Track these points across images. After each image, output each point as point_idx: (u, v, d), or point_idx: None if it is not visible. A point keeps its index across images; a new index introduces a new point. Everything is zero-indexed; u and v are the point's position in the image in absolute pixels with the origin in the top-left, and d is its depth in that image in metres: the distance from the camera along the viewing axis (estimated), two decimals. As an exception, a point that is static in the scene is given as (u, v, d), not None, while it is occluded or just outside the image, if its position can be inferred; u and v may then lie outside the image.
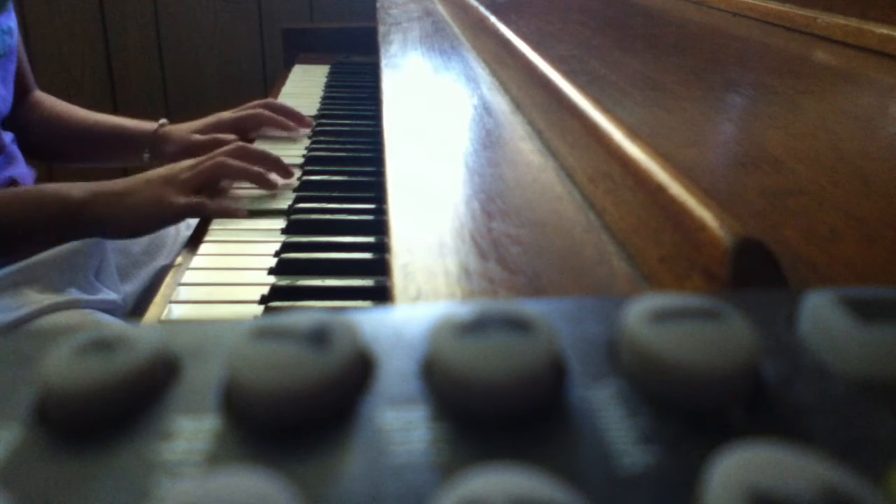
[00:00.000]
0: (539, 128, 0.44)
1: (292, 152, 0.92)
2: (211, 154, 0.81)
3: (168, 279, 0.65)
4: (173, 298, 0.61)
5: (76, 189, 0.79)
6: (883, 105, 0.42)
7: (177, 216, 0.79)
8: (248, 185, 0.82)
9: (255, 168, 0.80)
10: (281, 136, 0.99)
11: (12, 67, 0.94)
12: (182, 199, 0.77)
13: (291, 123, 1.00)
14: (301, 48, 1.43)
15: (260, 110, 1.00)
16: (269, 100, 1.04)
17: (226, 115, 1.01)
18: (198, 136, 0.97)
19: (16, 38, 0.94)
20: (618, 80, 0.45)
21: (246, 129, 1.00)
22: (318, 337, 0.12)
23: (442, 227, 0.31)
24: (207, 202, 0.77)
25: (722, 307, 0.13)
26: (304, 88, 1.20)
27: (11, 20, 0.94)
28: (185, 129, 1.00)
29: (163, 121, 1.02)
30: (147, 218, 0.78)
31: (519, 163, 0.40)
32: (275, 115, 1.00)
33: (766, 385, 0.12)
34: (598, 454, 0.11)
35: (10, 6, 0.94)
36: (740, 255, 0.22)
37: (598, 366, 0.13)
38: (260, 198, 0.80)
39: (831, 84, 0.46)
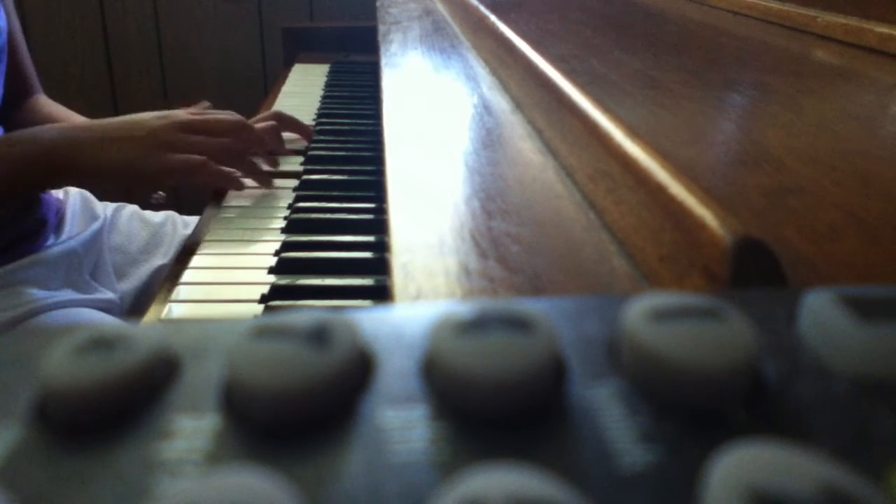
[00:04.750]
0: (539, 127, 0.44)
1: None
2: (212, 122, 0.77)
3: (168, 278, 0.65)
4: (173, 297, 0.61)
5: (46, 130, 0.73)
6: (883, 104, 0.42)
7: (167, 172, 0.72)
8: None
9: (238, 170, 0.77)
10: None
11: (2, 68, 0.93)
12: (175, 157, 0.71)
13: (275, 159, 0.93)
14: (301, 47, 1.43)
15: (272, 123, 0.93)
16: (279, 112, 0.96)
17: None
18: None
19: (4, 37, 0.93)
20: (618, 80, 0.45)
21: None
22: (318, 336, 0.12)
23: (442, 226, 0.31)
24: (209, 162, 0.72)
25: (722, 306, 0.13)
26: (304, 88, 1.20)
27: (1, 19, 0.93)
28: None
29: None
30: (125, 172, 0.72)
31: (519, 162, 0.40)
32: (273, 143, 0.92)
33: (766, 384, 0.12)
34: (598, 453, 0.11)
35: (0, 5, 0.93)
36: (740, 254, 0.22)
37: (598, 365, 0.13)
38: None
39: (832, 83, 0.46)
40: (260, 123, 0.90)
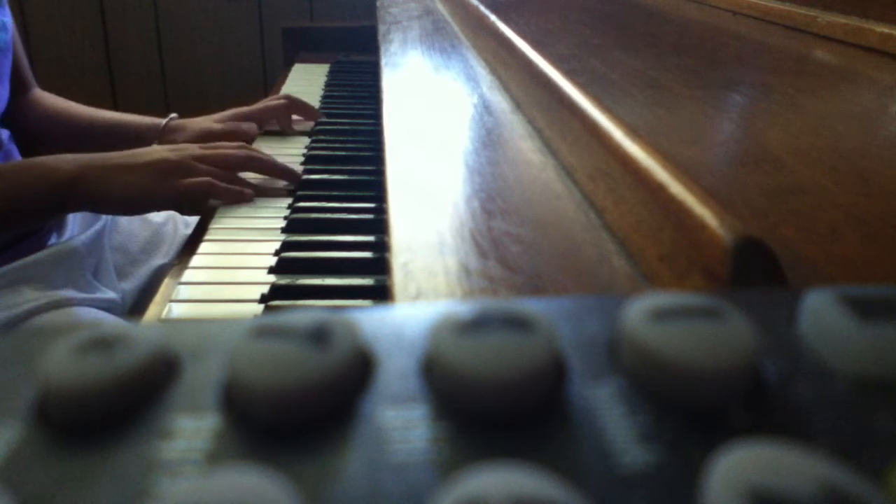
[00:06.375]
0: (539, 126, 0.44)
1: (292, 151, 0.92)
2: (215, 145, 0.80)
3: (168, 278, 0.65)
4: (173, 297, 0.61)
5: (66, 161, 0.76)
6: (883, 104, 0.42)
7: (181, 197, 0.76)
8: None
9: (246, 189, 0.80)
10: (280, 132, 1.00)
11: (8, 63, 0.94)
12: (187, 180, 0.75)
13: (293, 130, 1.00)
14: (301, 47, 1.43)
15: (279, 102, 1.00)
16: (288, 94, 1.04)
17: (244, 109, 1.00)
18: (216, 125, 0.97)
19: (11, 34, 0.94)
20: (618, 79, 0.45)
21: (263, 123, 1.01)
22: (318, 336, 0.12)
23: (442, 226, 0.31)
24: (217, 182, 0.76)
25: (722, 306, 0.13)
26: (304, 87, 1.19)
27: (6, 16, 0.93)
28: (204, 120, 0.99)
29: (172, 115, 1.02)
30: (143, 199, 0.76)
31: (519, 161, 0.40)
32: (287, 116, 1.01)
33: (766, 384, 0.12)
34: (598, 453, 0.11)
35: (5, 2, 0.93)
36: (740, 253, 0.22)
37: (598, 364, 0.13)
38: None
39: (832, 83, 0.46)
40: (272, 102, 0.99)
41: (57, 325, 0.14)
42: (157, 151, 0.78)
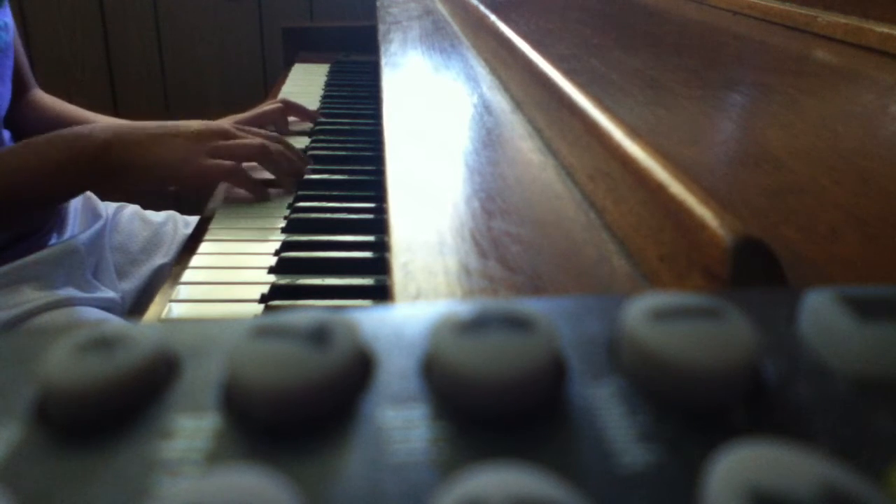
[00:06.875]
0: (539, 126, 0.44)
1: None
2: (253, 132, 0.80)
3: (168, 278, 0.65)
4: (173, 297, 0.61)
5: (99, 129, 0.75)
6: (883, 104, 0.42)
7: (202, 175, 0.76)
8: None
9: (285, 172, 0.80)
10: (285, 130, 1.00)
11: (10, 64, 0.94)
12: (211, 161, 0.75)
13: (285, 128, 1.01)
14: (301, 47, 1.43)
15: (276, 106, 1.00)
16: (285, 98, 1.04)
17: (241, 116, 1.00)
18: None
19: (12, 34, 0.94)
20: (618, 79, 0.45)
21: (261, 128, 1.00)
22: (318, 335, 0.12)
23: (442, 226, 0.31)
24: (243, 169, 0.76)
25: (722, 306, 0.13)
26: (304, 87, 1.19)
27: (7, 16, 0.93)
28: None
29: None
30: (171, 172, 0.75)
31: (519, 161, 0.40)
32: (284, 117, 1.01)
33: (766, 384, 0.12)
34: (598, 453, 0.11)
35: (6, 2, 0.93)
36: (740, 253, 0.22)
37: (598, 364, 0.13)
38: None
39: (832, 83, 0.46)
40: (268, 107, 0.99)
41: (57, 325, 0.14)
42: (188, 125, 0.78)
